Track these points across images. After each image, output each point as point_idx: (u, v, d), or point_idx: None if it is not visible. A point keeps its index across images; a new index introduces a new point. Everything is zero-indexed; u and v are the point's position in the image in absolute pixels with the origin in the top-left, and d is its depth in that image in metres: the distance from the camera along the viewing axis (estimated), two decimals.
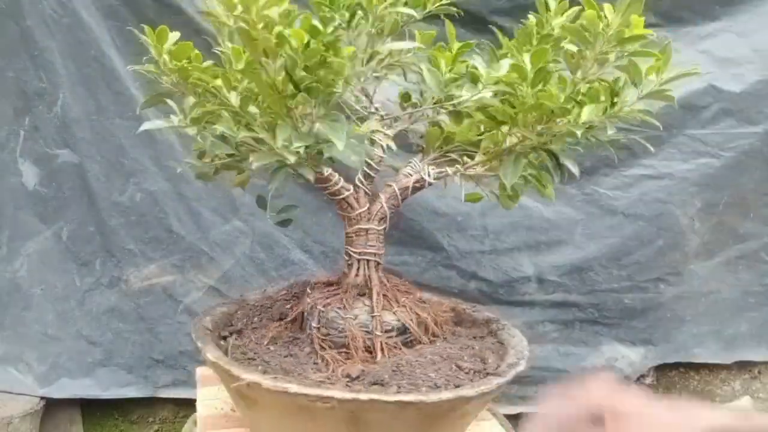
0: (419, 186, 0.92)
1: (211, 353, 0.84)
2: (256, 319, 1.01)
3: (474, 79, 0.79)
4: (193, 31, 0.87)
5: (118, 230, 1.62)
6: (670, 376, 1.77)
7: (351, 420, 0.76)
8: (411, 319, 0.92)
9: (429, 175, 0.91)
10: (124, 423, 1.82)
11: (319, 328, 0.90)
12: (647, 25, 1.55)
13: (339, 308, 0.90)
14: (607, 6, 0.69)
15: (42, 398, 1.66)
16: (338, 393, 0.73)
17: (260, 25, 0.66)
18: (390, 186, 0.92)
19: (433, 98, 0.83)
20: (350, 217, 0.92)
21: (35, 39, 1.51)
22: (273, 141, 0.71)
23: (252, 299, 1.08)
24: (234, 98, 0.74)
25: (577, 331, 1.65)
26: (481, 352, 0.93)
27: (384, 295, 0.92)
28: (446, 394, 0.76)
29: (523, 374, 1.61)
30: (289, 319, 0.95)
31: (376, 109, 0.93)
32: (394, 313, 0.91)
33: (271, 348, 0.91)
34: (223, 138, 0.78)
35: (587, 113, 0.69)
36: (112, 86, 1.54)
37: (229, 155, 0.84)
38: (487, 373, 0.86)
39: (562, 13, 0.80)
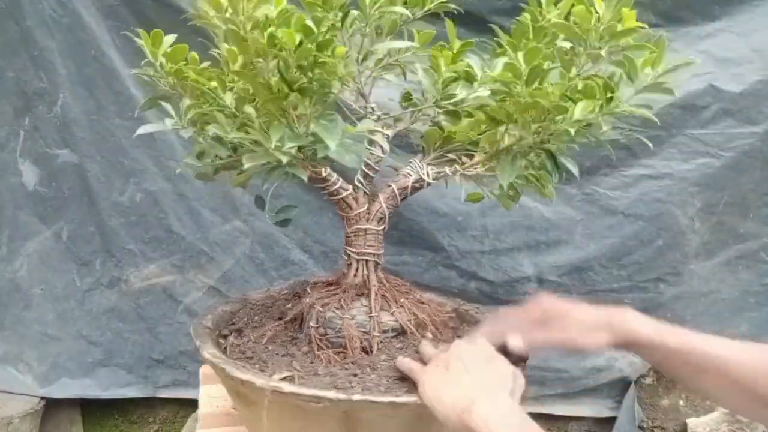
0: (418, 186, 0.92)
1: (208, 351, 0.84)
2: (257, 318, 1.01)
3: (469, 79, 0.80)
4: (192, 32, 0.87)
5: (118, 230, 1.62)
6: None
7: (344, 420, 0.77)
8: (409, 320, 0.92)
9: (428, 175, 0.91)
10: (124, 423, 1.82)
11: (317, 328, 0.90)
12: (647, 25, 1.55)
13: (337, 308, 0.90)
14: (598, 0, 0.69)
15: (42, 398, 1.66)
16: (331, 393, 0.74)
17: (249, 27, 0.66)
18: (389, 186, 0.92)
19: (433, 98, 0.83)
20: (349, 217, 0.92)
21: (35, 39, 1.51)
22: (267, 142, 0.71)
23: (254, 298, 1.09)
24: (229, 99, 0.74)
25: None
26: None
27: (383, 296, 0.92)
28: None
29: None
30: (287, 318, 0.95)
31: (372, 109, 0.92)
32: (392, 313, 0.91)
33: (270, 347, 0.91)
34: (218, 139, 0.78)
35: (580, 110, 0.69)
36: (112, 86, 1.54)
37: (229, 155, 0.84)
38: None
39: (555, 3, 0.80)
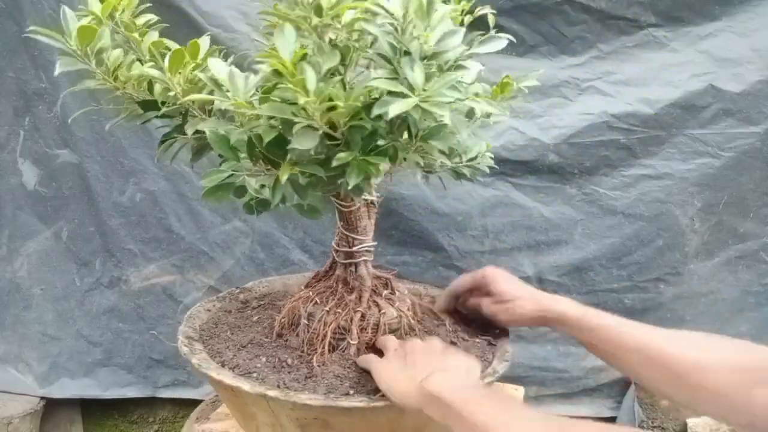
0: None
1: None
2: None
3: None
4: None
5: (118, 230, 1.62)
6: None
7: None
8: (344, 319, 0.94)
9: None
10: (124, 423, 1.82)
11: None
12: (647, 25, 1.55)
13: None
14: None
15: (42, 398, 1.66)
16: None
17: None
18: None
19: None
20: None
21: (35, 39, 1.50)
22: None
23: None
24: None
25: None
26: None
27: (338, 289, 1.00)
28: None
29: (523, 374, 1.62)
30: None
31: None
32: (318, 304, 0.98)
33: None
34: None
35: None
36: None
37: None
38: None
39: None
